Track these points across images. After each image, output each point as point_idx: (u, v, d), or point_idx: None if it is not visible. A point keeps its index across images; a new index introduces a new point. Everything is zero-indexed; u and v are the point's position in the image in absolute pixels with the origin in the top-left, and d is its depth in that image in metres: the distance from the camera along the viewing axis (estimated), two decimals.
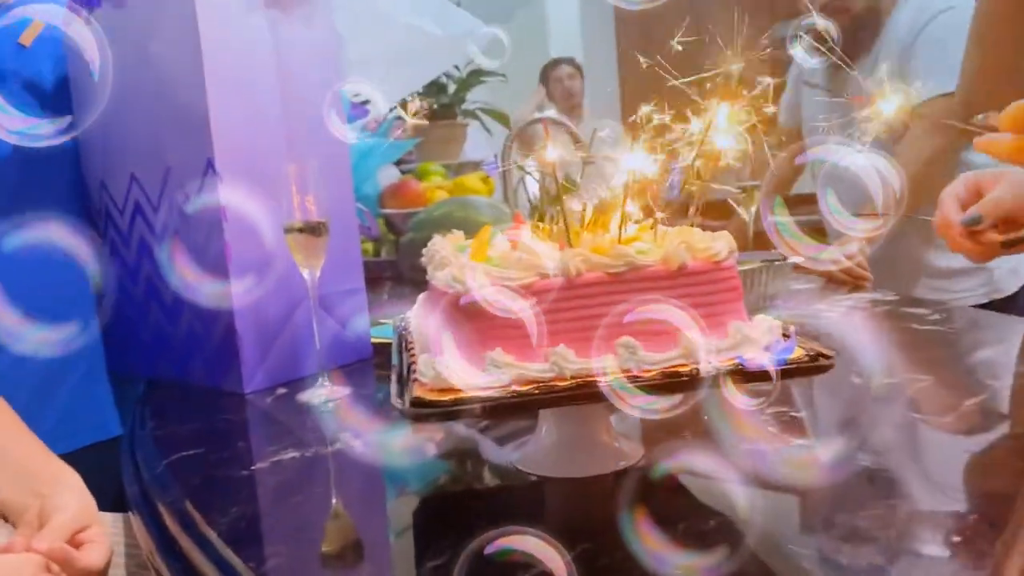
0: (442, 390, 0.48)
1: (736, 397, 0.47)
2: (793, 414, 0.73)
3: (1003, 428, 0.72)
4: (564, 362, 0.49)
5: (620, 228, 0.54)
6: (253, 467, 0.70)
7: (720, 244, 0.53)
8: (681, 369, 0.49)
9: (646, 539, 0.46)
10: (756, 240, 1.56)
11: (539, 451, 0.62)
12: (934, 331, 1.08)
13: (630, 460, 0.61)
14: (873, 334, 1.14)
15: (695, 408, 0.77)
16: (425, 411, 0.47)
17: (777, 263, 1.23)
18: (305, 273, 0.93)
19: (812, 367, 0.49)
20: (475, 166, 1.83)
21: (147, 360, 1.10)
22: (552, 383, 0.49)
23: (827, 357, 0.50)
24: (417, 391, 0.48)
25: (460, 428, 0.80)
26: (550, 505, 0.60)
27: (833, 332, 1.10)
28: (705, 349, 0.49)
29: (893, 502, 0.55)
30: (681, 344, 0.49)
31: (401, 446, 0.77)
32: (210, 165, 0.95)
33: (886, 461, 0.63)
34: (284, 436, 0.80)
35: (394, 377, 0.54)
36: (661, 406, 0.46)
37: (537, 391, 0.48)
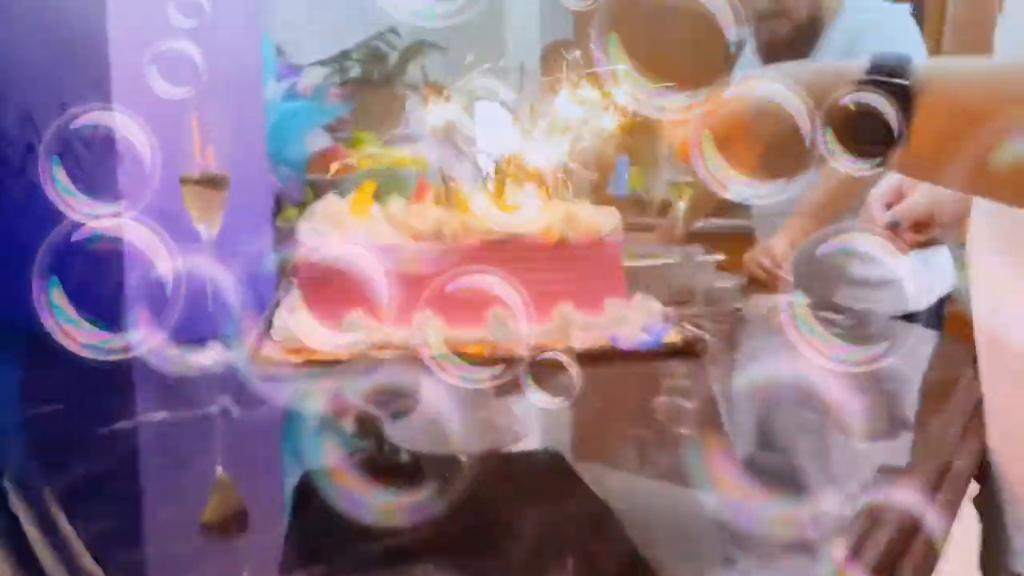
0: (295, 350, 0.45)
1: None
2: (686, 405, 0.72)
3: (899, 432, 0.72)
4: (430, 329, 0.46)
5: (500, 196, 0.51)
6: (113, 427, 0.66)
7: (605, 219, 0.51)
8: (552, 344, 0.47)
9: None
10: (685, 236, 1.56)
11: (416, 425, 0.59)
12: (844, 336, 1.09)
13: (515, 439, 0.59)
14: (783, 335, 1.14)
15: (598, 393, 0.76)
16: (270, 371, 0.43)
17: (699, 259, 1.23)
18: (201, 228, 0.88)
19: (682, 350, 0.48)
20: (412, 139, 1.78)
21: (34, 310, 1.03)
22: (416, 350, 0.46)
23: (702, 342, 0.49)
24: (267, 350, 0.45)
25: (357, 398, 0.77)
26: (424, 483, 0.58)
27: (740, 329, 1.11)
28: (578, 325, 0.46)
29: (787, 501, 0.54)
30: (553, 319, 0.47)
31: (283, 412, 0.74)
32: (108, 105, 0.89)
33: (781, 460, 0.63)
34: (157, 397, 0.76)
35: (255, 335, 0.51)
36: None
37: (394, 356, 0.45)
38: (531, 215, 0.50)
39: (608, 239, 0.51)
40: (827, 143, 0.58)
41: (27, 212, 1.01)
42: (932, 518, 0.50)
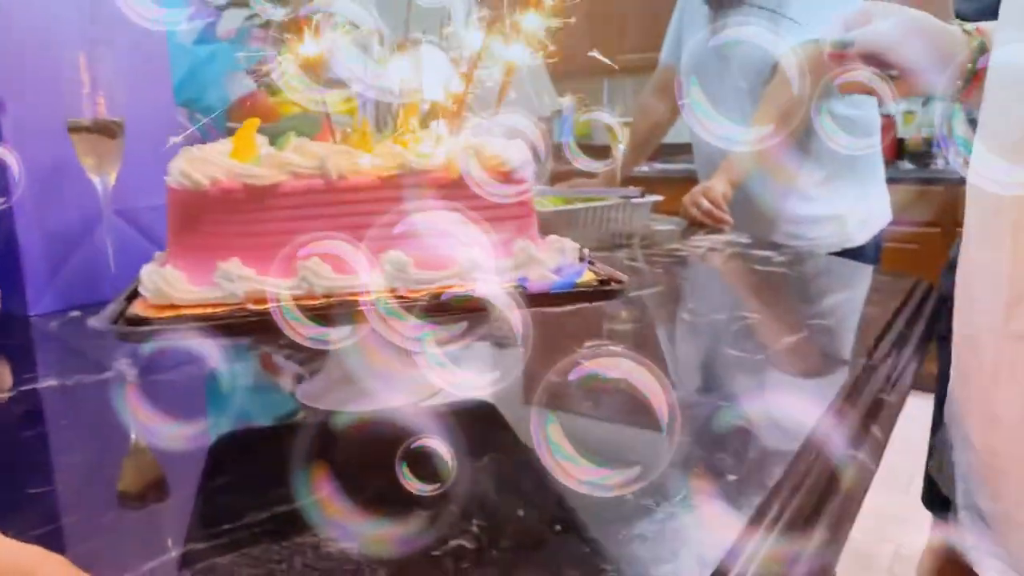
0: (163, 306, 0.40)
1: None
2: (611, 348, 0.69)
3: (836, 368, 0.71)
4: (316, 278, 0.42)
5: (397, 128, 0.47)
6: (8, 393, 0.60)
7: (513, 153, 0.47)
8: (456, 290, 0.43)
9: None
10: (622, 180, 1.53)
11: (323, 383, 0.55)
12: (777, 273, 1.08)
13: (426, 393, 0.55)
14: (716, 273, 1.13)
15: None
16: (126, 329, 0.39)
17: (635, 200, 1.20)
18: (96, 181, 0.81)
19: (598, 292, 0.44)
20: (341, 84, 1.70)
21: None
22: (302, 302, 0.42)
23: (618, 282, 0.45)
24: (137, 307, 0.40)
25: (265, 356, 0.72)
26: (335, 443, 0.54)
27: (677, 270, 1.09)
28: (483, 269, 0.43)
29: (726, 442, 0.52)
30: (456, 262, 0.43)
31: (186, 377, 0.69)
32: None
33: (720, 401, 0.60)
34: (52, 364, 0.70)
35: (126, 292, 0.46)
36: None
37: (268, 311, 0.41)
38: (429, 148, 0.46)
39: (516, 175, 0.47)
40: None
41: None
42: (861, 454, 0.48)
